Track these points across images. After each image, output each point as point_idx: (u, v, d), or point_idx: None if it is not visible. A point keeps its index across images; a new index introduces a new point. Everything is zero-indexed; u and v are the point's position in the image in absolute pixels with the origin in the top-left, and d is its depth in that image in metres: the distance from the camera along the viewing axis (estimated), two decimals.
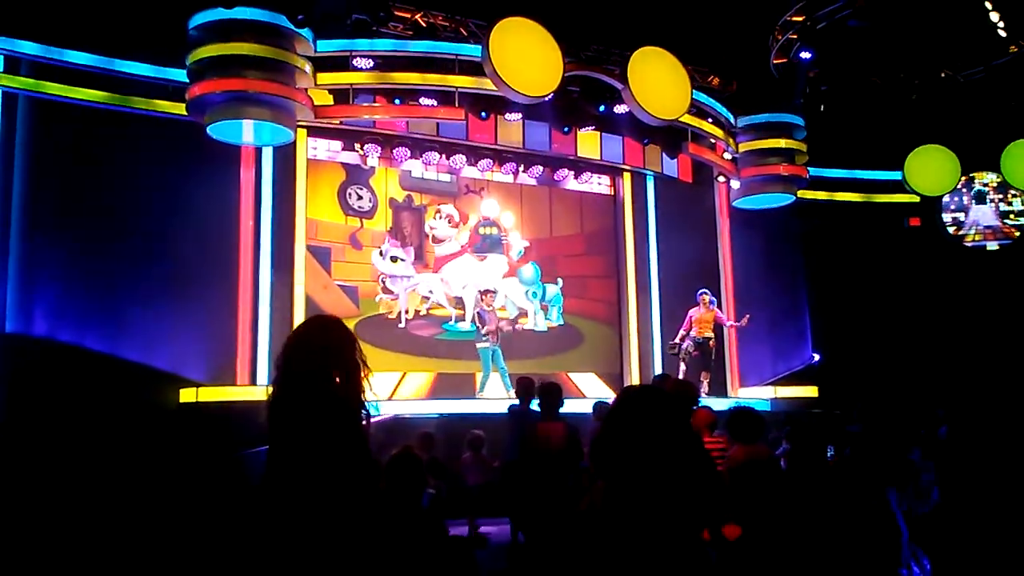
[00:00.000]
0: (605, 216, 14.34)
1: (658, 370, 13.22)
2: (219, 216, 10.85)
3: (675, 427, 2.53)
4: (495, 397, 12.03)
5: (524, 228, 13.56)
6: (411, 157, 12.27)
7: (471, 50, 10.93)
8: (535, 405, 7.23)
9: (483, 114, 11.48)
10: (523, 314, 13.34)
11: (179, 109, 10.31)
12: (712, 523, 4.26)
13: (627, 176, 14.20)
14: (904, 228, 15.30)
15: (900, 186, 14.79)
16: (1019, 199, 15.58)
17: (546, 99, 10.98)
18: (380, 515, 3.09)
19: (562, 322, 13.62)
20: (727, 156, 13.54)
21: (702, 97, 12.74)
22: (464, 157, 12.43)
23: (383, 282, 12.40)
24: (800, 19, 12.73)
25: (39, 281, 9.94)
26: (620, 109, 11.89)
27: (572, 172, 13.50)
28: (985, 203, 15.65)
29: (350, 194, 12.43)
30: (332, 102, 11.01)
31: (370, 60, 10.86)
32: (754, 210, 14.13)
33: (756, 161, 13.63)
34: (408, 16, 11.75)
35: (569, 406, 7.54)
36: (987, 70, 14.14)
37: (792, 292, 14.78)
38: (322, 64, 10.71)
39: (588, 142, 13.05)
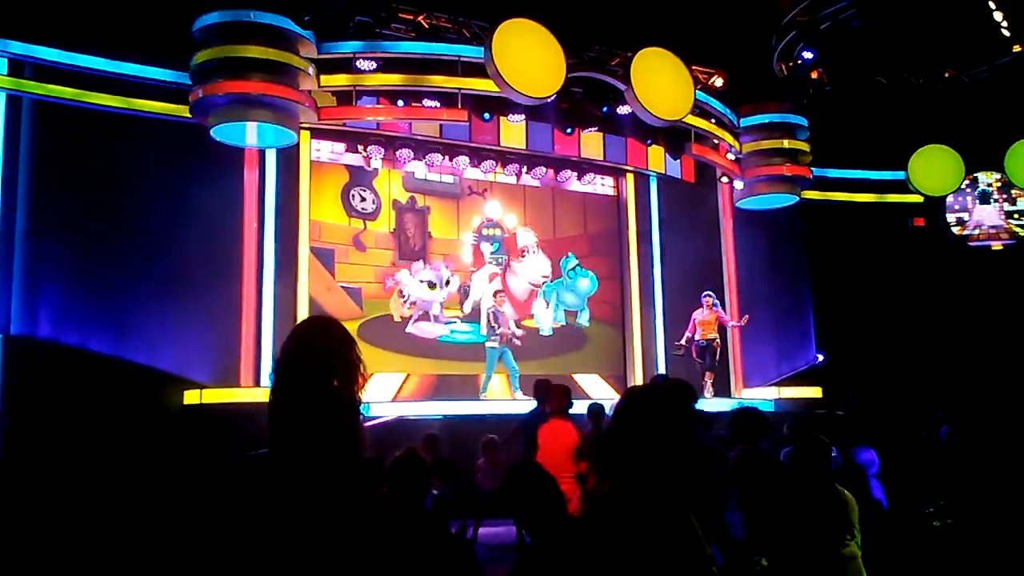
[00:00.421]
0: (608, 217, 14.33)
1: (662, 371, 13.21)
2: (223, 218, 10.86)
3: (679, 426, 2.53)
4: (499, 398, 12.07)
5: (527, 229, 13.59)
6: (414, 159, 12.28)
7: (474, 51, 10.93)
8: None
9: (486, 115, 11.48)
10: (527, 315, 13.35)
11: (183, 111, 10.32)
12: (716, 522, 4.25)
13: (630, 177, 14.20)
14: (908, 228, 15.28)
15: (904, 186, 14.78)
16: (1023, 199, 15.55)
17: (549, 100, 10.98)
18: (381, 516, 3.10)
19: (586, 323, 13.67)
20: (730, 157, 13.53)
21: (705, 98, 12.73)
22: (467, 158, 12.44)
23: (406, 295, 12.41)
24: (804, 19, 12.73)
25: (44, 283, 9.96)
26: (623, 110, 11.89)
27: (575, 173, 13.50)
28: (989, 203, 15.62)
29: (353, 196, 12.44)
30: (335, 104, 11.03)
31: (373, 62, 10.86)
32: (758, 211, 14.12)
33: (759, 162, 13.61)
34: (411, 18, 11.77)
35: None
36: (991, 70, 14.12)
37: (796, 292, 14.76)
38: (325, 66, 10.72)
39: (591, 143, 13.05)
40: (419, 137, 12.07)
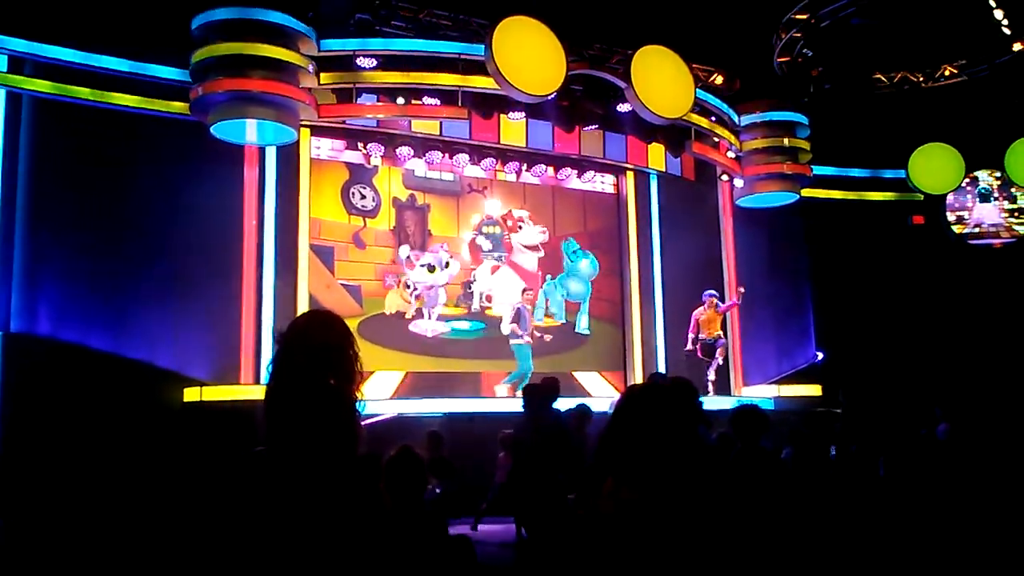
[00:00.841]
0: (608, 215, 14.33)
1: (662, 369, 13.22)
2: (223, 215, 10.85)
3: (679, 424, 2.53)
4: (504, 396, 12.07)
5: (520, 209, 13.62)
6: (414, 156, 12.27)
7: (474, 49, 10.91)
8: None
9: (486, 113, 11.46)
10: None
11: (182, 109, 10.31)
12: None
13: (630, 175, 14.19)
14: (908, 226, 15.28)
15: (904, 184, 14.77)
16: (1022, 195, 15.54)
17: (549, 98, 10.96)
18: (377, 514, 3.10)
19: (586, 330, 13.67)
20: (731, 154, 13.52)
21: (705, 95, 12.72)
22: (467, 156, 12.43)
23: (412, 286, 12.42)
24: (804, 17, 12.72)
25: (43, 280, 9.95)
26: (623, 108, 11.88)
27: (575, 171, 13.49)
28: (989, 201, 15.62)
29: (353, 193, 12.43)
30: (335, 101, 11.01)
31: (373, 59, 10.84)
32: (758, 208, 14.11)
33: (760, 159, 13.60)
34: (411, 15, 11.76)
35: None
36: (991, 68, 14.12)
37: (796, 290, 14.76)
38: (325, 63, 10.71)
39: (591, 141, 13.05)
40: (419, 135, 12.06)
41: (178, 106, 10.37)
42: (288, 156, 11.49)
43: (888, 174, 14.98)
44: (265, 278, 11.10)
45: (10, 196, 9.87)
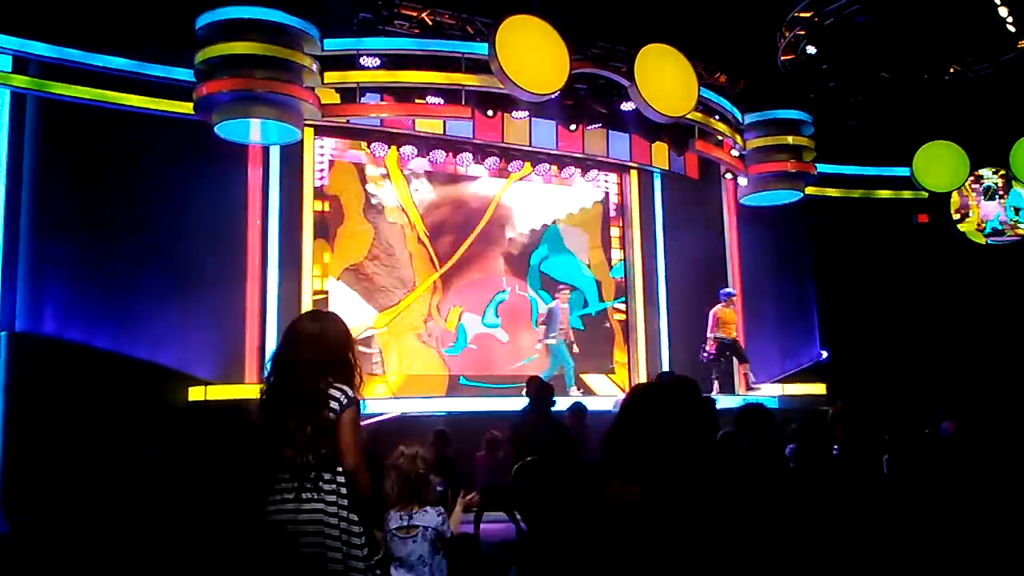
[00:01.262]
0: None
1: (666, 367, 13.22)
2: (227, 214, 10.87)
3: (683, 421, 2.54)
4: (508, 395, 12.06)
5: None
6: (418, 155, 12.28)
7: (477, 48, 10.92)
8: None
9: (489, 112, 11.46)
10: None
11: (186, 108, 10.32)
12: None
13: (634, 173, 14.19)
14: (912, 224, 15.24)
15: (908, 182, 14.74)
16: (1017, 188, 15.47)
17: (552, 97, 10.96)
18: (377, 512, 3.11)
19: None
20: (734, 153, 13.50)
21: (709, 94, 12.70)
22: (471, 155, 12.44)
23: None
24: (808, 15, 12.70)
25: (48, 280, 9.98)
26: (627, 106, 11.88)
27: (579, 169, 13.49)
28: (994, 199, 15.58)
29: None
30: (339, 101, 11.01)
31: (377, 59, 10.84)
32: (762, 207, 14.09)
33: (764, 158, 13.58)
34: (414, 14, 11.76)
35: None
36: (996, 65, 14.08)
37: (800, 289, 14.74)
38: (329, 63, 10.71)
39: (595, 140, 13.04)
40: (422, 134, 12.07)
41: (182, 106, 10.38)
42: (292, 155, 11.51)
43: (892, 172, 14.94)
44: (269, 277, 11.11)
45: (15, 196, 9.90)
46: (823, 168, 14.22)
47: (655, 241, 14.10)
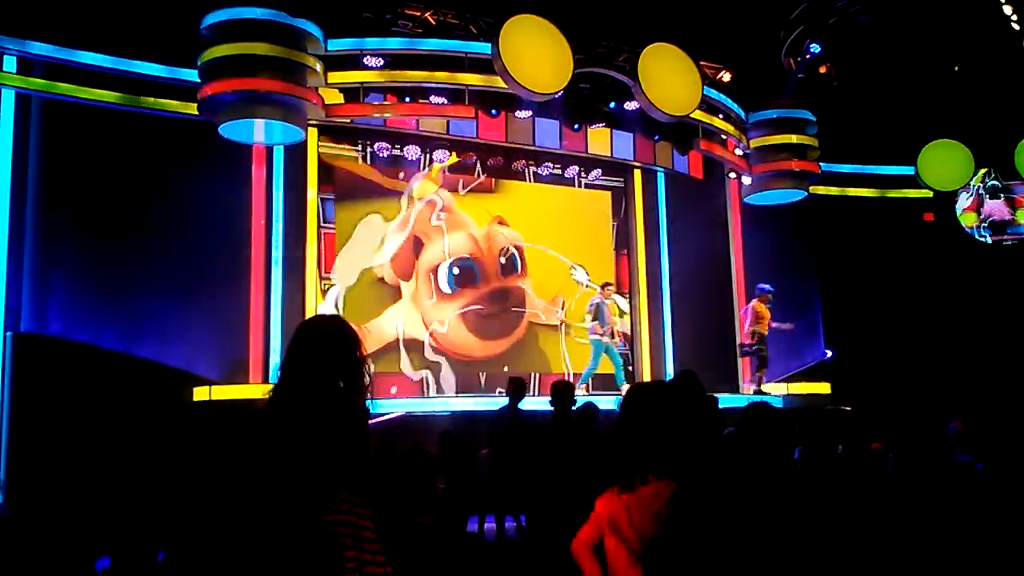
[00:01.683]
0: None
1: (670, 367, 13.22)
2: (231, 215, 10.89)
3: (683, 416, 2.55)
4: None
5: None
6: (421, 155, 12.29)
7: (481, 48, 10.93)
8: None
9: (493, 111, 11.47)
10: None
11: (191, 109, 10.35)
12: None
13: (637, 173, 14.18)
14: (917, 223, 15.21)
15: (913, 181, 14.71)
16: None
17: (556, 96, 10.97)
18: (382, 511, 3.12)
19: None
20: (738, 152, 13.49)
21: (713, 93, 12.69)
22: (474, 155, 12.45)
23: None
24: (812, 14, 12.69)
25: (53, 281, 10.01)
26: (631, 106, 11.87)
27: (582, 169, 13.48)
28: (998, 197, 15.54)
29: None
30: (343, 101, 11.04)
31: (380, 58, 10.87)
32: (766, 206, 14.07)
33: (768, 157, 13.56)
34: (418, 14, 11.77)
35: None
36: (1000, 64, 14.03)
37: (804, 288, 14.71)
38: (333, 63, 10.73)
39: (598, 139, 13.04)
40: (426, 133, 12.08)
41: (187, 106, 10.40)
42: (296, 155, 11.53)
43: (897, 171, 14.92)
44: (273, 277, 11.12)
45: (20, 197, 9.93)
46: (827, 167, 14.21)
47: (659, 240, 14.09)
